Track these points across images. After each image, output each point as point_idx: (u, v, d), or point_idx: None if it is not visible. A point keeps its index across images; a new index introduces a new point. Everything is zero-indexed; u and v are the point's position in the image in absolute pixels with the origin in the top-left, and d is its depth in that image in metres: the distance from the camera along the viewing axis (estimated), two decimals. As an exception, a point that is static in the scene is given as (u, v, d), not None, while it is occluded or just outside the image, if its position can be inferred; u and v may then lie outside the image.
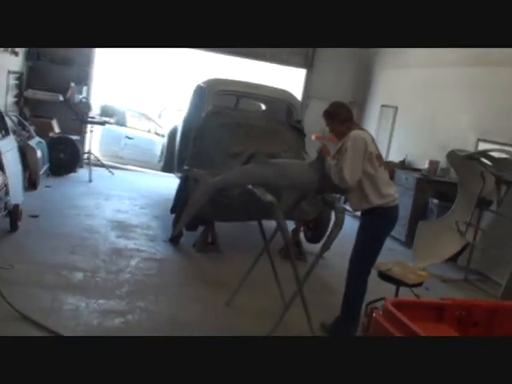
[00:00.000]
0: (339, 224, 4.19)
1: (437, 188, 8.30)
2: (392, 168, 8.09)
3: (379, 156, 4.58)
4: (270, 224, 5.38)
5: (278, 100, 8.15)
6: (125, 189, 9.64)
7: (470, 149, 8.10)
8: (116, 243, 6.57)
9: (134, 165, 12.37)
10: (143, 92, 16.85)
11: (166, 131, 9.56)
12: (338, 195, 5.28)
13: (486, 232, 7.10)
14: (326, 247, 4.31)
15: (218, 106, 7.79)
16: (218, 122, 7.23)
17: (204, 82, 8.12)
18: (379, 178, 4.50)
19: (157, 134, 13.02)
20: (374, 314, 3.01)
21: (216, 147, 6.93)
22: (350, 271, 4.70)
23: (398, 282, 4.68)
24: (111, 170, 10.74)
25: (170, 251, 6.65)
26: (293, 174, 4.62)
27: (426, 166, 8.78)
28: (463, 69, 8.94)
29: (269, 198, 4.31)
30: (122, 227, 7.26)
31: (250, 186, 4.74)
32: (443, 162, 8.66)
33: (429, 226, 7.34)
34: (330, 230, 4.29)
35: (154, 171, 11.49)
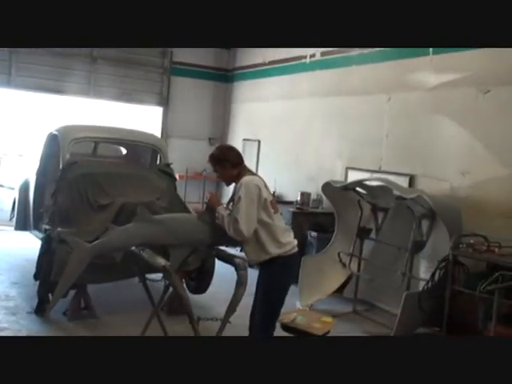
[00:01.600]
0: (243, 282, 3.80)
1: (313, 220, 8.18)
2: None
3: (273, 202, 4.26)
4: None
5: (142, 144, 7.62)
6: (-29, 254, 8.47)
7: (339, 178, 8.15)
8: (-30, 325, 5.61)
9: (-24, 222, 11.08)
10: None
11: (17, 184, 8.59)
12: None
13: (368, 261, 7.08)
14: (231, 310, 3.88)
15: (75, 154, 7.08)
16: (79, 173, 6.52)
17: (57, 130, 7.34)
18: (276, 225, 4.16)
19: (0, 185, 11.87)
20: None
21: (79, 201, 6.23)
22: (253, 329, 4.29)
23: (305, 334, 4.36)
24: (-50, 233, 9.44)
25: (38, 325, 5.78)
26: (181, 230, 4.16)
27: (298, 198, 8.70)
28: (322, 99, 9.06)
29: (161, 262, 3.81)
30: (-25, 303, 6.26)
31: (133, 248, 4.20)
32: (314, 192, 8.64)
33: (312, 261, 7.16)
34: (234, 290, 3.86)
35: (1, 228, 10.32)
